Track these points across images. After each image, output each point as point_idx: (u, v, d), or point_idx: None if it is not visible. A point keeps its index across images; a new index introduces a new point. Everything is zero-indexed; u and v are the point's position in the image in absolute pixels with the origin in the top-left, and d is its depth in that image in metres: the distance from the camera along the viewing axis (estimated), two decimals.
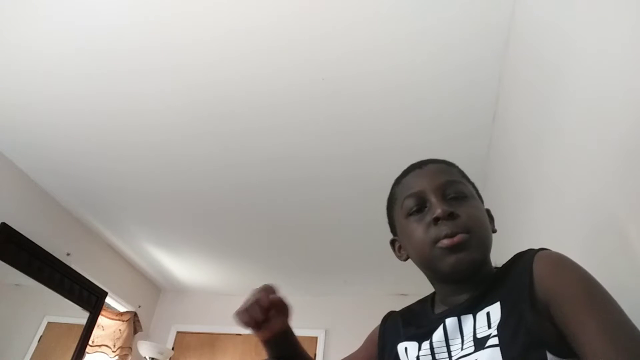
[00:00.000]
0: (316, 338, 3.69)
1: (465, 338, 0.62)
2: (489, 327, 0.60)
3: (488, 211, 0.77)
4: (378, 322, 0.87)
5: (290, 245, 3.26)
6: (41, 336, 2.90)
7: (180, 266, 3.76)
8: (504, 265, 0.70)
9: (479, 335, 0.60)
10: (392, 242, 0.81)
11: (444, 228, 0.66)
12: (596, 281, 0.57)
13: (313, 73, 1.86)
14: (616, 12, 0.77)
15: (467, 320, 0.64)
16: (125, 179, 2.69)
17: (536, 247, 0.68)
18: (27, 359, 2.78)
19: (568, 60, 1.01)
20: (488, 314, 0.61)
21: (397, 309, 0.88)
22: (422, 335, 0.70)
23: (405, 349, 0.72)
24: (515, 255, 0.68)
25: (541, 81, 1.23)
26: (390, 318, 0.85)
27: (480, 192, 0.79)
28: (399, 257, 0.79)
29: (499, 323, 0.58)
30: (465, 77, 1.79)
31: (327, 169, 2.42)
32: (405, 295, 3.64)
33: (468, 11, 1.55)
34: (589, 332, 0.51)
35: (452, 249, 0.66)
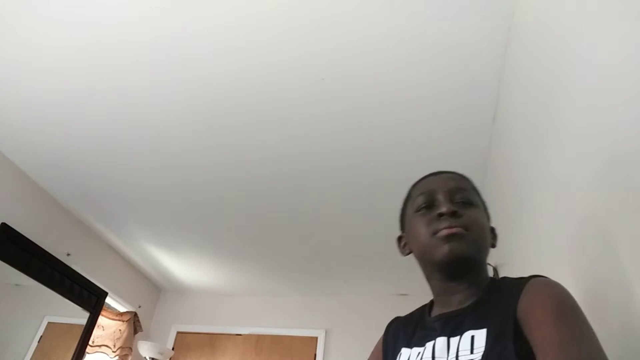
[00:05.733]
0: (316, 338, 3.69)
1: (449, 357, 0.66)
2: (472, 352, 0.63)
3: (493, 229, 0.82)
4: (378, 322, 0.88)
5: (291, 246, 3.25)
6: (41, 336, 2.89)
7: (180, 266, 3.76)
8: (500, 283, 0.73)
9: (461, 359, 0.64)
10: (399, 238, 0.87)
11: (445, 222, 0.72)
12: (571, 302, 0.60)
13: (312, 68, 1.85)
14: (617, 8, 0.76)
15: (455, 341, 0.67)
16: (125, 179, 2.69)
17: (535, 248, 0.68)
18: (27, 359, 2.78)
19: (569, 57, 1.01)
20: (472, 337, 0.65)
21: (397, 309, 0.89)
22: (415, 342, 0.75)
23: (400, 355, 0.77)
24: (512, 281, 0.71)
25: (542, 78, 1.23)
26: (393, 324, 0.88)
27: (480, 187, 0.82)
28: (402, 252, 0.85)
29: (484, 354, 0.61)
30: (466, 72, 1.78)
31: (327, 167, 2.42)
32: (405, 295, 3.64)
33: (469, 6, 1.55)
34: (547, 342, 0.54)
35: (448, 237, 0.71)
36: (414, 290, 3.55)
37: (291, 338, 3.74)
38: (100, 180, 2.73)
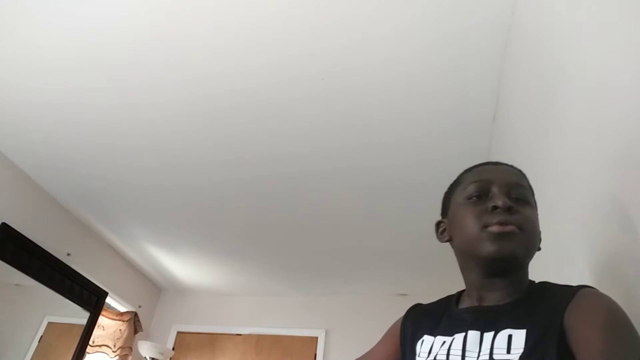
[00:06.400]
0: (316, 338, 3.69)
1: (481, 353, 0.63)
2: (508, 351, 0.60)
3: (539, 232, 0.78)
4: (378, 322, 0.87)
5: (291, 246, 3.25)
6: (41, 336, 2.89)
7: (180, 266, 3.76)
8: (541, 287, 0.70)
9: (495, 357, 0.61)
10: (438, 224, 0.83)
11: (498, 217, 0.68)
12: (622, 314, 0.58)
13: (312, 68, 1.85)
14: (616, 8, 0.76)
15: (489, 336, 0.64)
16: (125, 179, 2.69)
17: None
18: (27, 359, 2.78)
19: (569, 57, 1.01)
20: (510, 337, 0.62)
21: (397, 309, 0.88)
22: (440, 330, 0.72)
23: (422, 341, 0.74)
24: (558, 288, 0.68)
25: (542, 78, 1.23)
26: (414, 311, 0.86)
27: None
28: (440, 239, 0.82)
29: (522, 356, 0.59)
30: (466, 72, 1.78)
31: (327, 167, 2.41)
32: (405, 295, 3.64)
33: (469, 6, 1.55)
34: (594, 352, 0.53)
35: (500, 235, 0.67)
36: (414, 290, 3.55)
37: (291, 338, 3.74)
38: (100, 180, 2.73)
